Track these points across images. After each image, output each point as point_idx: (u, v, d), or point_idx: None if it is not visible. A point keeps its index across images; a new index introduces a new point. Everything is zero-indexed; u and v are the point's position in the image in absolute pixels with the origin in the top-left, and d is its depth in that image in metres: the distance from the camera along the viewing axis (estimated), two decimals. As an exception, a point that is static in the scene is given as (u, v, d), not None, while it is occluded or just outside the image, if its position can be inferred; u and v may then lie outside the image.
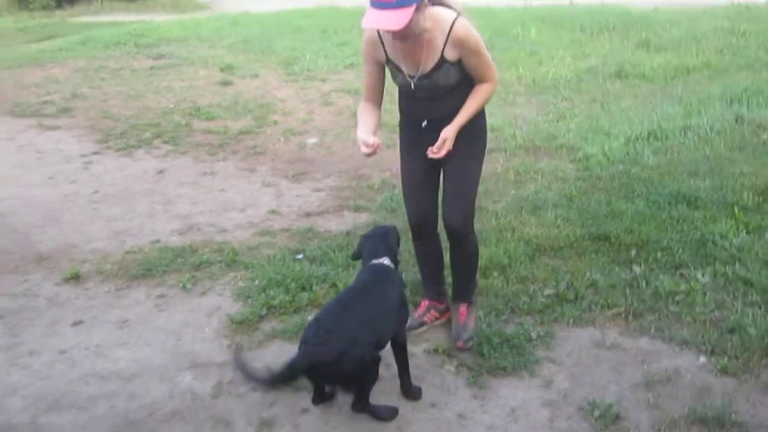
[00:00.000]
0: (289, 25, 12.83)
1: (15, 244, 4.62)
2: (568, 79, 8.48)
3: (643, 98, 7.64)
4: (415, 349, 3.19)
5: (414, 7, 2.61)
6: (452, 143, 2.88)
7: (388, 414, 2.71)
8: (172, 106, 8.28)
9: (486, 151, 3.18)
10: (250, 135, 7.08)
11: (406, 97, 3.06)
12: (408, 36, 2.71)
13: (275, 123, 7.48)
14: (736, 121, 6.32)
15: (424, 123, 2.99)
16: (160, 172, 6.08)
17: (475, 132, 3.03)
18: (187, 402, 2.91)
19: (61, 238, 4.70)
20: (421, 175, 3.15)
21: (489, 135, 3.16)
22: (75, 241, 4.63)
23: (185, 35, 12.40)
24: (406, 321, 2.97)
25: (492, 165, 5.69)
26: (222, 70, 9.91)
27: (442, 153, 2.88)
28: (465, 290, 3.36)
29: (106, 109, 8.27)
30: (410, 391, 2.85)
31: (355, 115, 7.33)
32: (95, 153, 6.70)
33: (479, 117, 3.02)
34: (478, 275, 3.49)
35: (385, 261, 2.90)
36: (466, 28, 2.79)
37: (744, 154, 5.59)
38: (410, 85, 2.91)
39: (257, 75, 9.66)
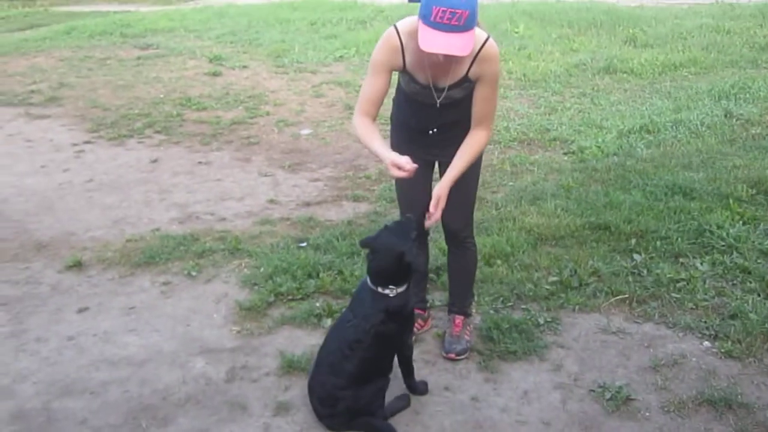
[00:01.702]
0: (277, 17, 12.79)
1: (11, 232, 4.57)
2: (557, 74, 8.56)
3: (632, 93, 7.75)
4: (425, 335, 3.23)
5: (475, 28, 2.45)
6: (445, 201, 2.72)
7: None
8: (162, 96, 8.22)
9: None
10: (243, 125, 7.06)
11: (413, 102, 2.85)
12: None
13: (268, 114, 7.47)
14: (725, 116, 6.45)
15: (433, 130, 2.85)
16: (154, 161, 6.05)
17: None
18: (201, 387, 2.91)
19: (59, 226, 4.66)
20: (417, 178, 2.90)
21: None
22: (73, 229, 4.59)
23: (172, 26, 12.30)
24: (405, 340, 2.76)
25: (488, 157, 5.74)
26: (211, 61, 9.86)
27: (438, 214, 2.72)
28: (462, 301, 3.21)
29: (95, 98, 8.18)
30: (416, 388, 2.81)
31: (347, 108, 7.46)
32: (86, 142, 6.64)
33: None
34: (474, 289, 3.36)
35: (389, 291, 2.59)
36: (496, 50, 2.64)
37: (734, 147, 5.70)
38: (427, 93, 2.74)
39: (246, 66, 9.62)
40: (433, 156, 2.96)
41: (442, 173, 2.95)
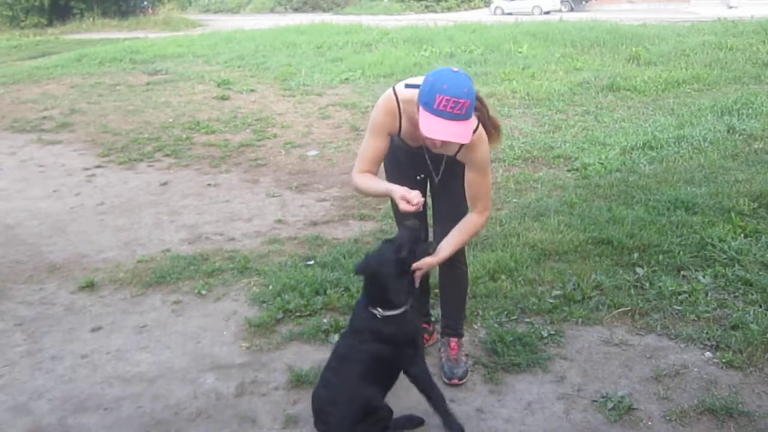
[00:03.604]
0: (283, 41, 13.01)
1: (25, 254, 4.68)
2: (561, 93, 8.68)
3: (635, 110, 7.85)
4: (430, 348, 3.29)
5: (474, 117, 2.51)
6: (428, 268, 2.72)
7: None
8: (171, 120, 8.39)
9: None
10: (251, 148, 7.20)
11: (403, 152, 2.92)
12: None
13: (275, 136, 7.61)
14: (728, 131, 6.53)
15: (420, 176, 2.93)
16: (164, 184, 6.17)
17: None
18: (211, 402, 2.98)
19: (71, 248, 4.76)
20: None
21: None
22: (85, 251, 4.69)
23: (180, 52, 12.55)
24: (407, 363, 2.66)
25: (492, 175, 5.80)
26: (219, 85, 10.05)
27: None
28: (456, 322, 3.20)
29: (106, 123, 8.36)
30: (451, 426, 2.63)
31: (353, 129, 7.58)
32: (97, 166, 6.79)
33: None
34: (466, 308, 3.31)
35: (376, 312, 2.55)
36: (484, 138, 2.67)
37: (737, 162, 5.77)
38: (418, 153, 2.81)
39: (254, 90, 9.81)
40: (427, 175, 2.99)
41: (434, 190, 3.01)
